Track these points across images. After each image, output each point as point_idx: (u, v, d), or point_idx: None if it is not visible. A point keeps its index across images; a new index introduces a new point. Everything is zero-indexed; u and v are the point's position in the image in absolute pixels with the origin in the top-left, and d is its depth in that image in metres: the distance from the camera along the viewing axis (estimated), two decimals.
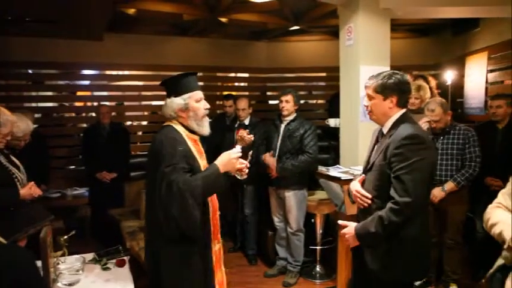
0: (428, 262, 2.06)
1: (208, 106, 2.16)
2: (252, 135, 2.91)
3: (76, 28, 4.65)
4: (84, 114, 5.80)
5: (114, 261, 2.42)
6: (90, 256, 2.47)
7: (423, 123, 3.18)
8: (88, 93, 5.88)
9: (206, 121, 2.15)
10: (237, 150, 2.06)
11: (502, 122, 3.53)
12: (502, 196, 1.49)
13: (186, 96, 2.09)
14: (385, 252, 1.93)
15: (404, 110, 2.02)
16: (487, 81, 4.55)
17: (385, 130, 2.03)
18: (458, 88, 5.04)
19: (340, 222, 2.14)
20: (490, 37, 4.61)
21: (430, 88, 4.30)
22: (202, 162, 2.10)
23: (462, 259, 3.43)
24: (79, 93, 5.85)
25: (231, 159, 2.01)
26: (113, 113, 5.94)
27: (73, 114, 5.83)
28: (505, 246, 1.32)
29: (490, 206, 1.52)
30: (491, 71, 4.51)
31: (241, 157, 2.07)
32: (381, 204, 1.94)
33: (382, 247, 1.93)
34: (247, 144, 2.76)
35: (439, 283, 3.47)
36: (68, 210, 4.63)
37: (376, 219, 1.90)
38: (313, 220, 3.88)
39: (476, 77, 4.75)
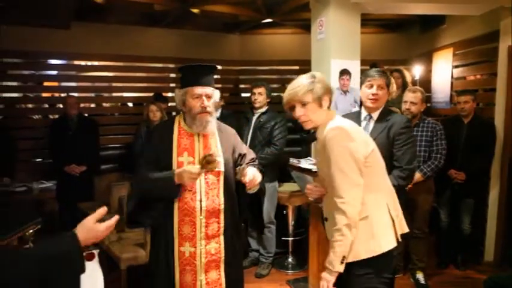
0: None
1: (205, 105, 2.02)
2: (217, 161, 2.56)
3: (41, 15, 4.45)
4: (47, 105, 5.61)
5: (83, 255, 2.37)
6: None
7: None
8: (55, 84, 5.69)
9: (201, 120, 2.03)
10: (197, 171, 1.89)
11: (468, 117, 3.65)
12: None
13: (183, 90, 2.05)
14: None
15: None
16: (452, 77, 4.70)
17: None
18: (426, 83, 5.18)
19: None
20: (455, 34, 4.75)
21: (406, 81, 4.41)
22: (185, 159, 2.03)
23: (428, 248, 3.56)
24: (46, 84, 5.65)
25: (185, 173, 1.89)
26: (92, 105, 5.79)
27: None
28: None
29: None
30: (456, 66, 4.66)
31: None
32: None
33: None
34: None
35: (407, 271, 3.60)
36: (35, 204, 4.47)
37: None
38: (285, 212, 3.93)
39: (442, 72, 4.89)
